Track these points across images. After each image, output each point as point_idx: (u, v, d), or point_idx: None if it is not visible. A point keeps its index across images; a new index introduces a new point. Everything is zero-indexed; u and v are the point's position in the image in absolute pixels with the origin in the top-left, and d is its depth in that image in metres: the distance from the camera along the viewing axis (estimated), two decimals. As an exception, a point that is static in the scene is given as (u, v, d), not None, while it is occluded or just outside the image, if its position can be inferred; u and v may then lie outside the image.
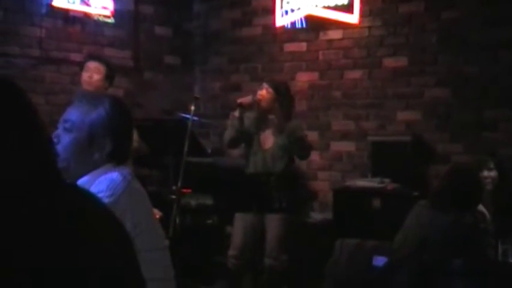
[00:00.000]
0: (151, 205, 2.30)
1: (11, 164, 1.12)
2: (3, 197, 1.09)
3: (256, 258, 4.93)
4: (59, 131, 2.11)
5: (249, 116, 4.90)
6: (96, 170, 2.11)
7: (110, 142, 2.11)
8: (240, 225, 4.84)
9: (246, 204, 4.75)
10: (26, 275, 1.02)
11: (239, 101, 4.86)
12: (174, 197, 4.71)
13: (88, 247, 1.13)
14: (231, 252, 4.84)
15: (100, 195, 1.96)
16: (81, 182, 2.07)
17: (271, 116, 4.84)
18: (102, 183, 2.06)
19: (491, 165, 4.30)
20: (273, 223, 4.73)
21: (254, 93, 4.97)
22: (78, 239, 1.12)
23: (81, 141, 2.09)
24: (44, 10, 5.58)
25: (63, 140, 2.08)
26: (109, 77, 4.82)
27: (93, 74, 4.72)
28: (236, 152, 5.52)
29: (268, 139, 4.87)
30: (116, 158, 2.14)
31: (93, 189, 2.01)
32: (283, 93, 4.88)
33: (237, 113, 4.85)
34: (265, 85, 4.89)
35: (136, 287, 1.26)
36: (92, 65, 4.77)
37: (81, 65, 4.86)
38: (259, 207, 4.71)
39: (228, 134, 4.89)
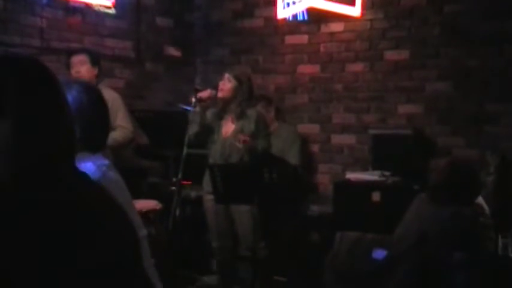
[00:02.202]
0: (130, 195, 2.28)
1: (26, 150, 1.12)
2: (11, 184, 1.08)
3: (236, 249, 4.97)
4: None
5: (213, 111, 4.91)
6: None
7: (79, 129, 2.07)
8: (210, 217, 4.89)
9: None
10: (26, 263, 1.02)
11: (198, 95, 4.85)
12: (174, 188, 4.71)
13: (90, 240, 1.12)
14: (213, 244, 4.92)
15: None
16: None
17: (232, 105, 4.84)
18: None
19: (491, 170, 4.30)
20: (240, 216, 4.74)
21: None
22: (79, 231, 1.11)
23: None
24: (44, 0, 5.56)
25: None
26: (95, 63, 4.86)
27: (79, 67, 4.77)
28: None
29: (229, 127, 4.86)
30: (89, 146, 2.11)
31: None
32: (244, 82, 4.87)
33: (197, 108, 4.84)
34: (226, 75, 4.88)
35: (138, 277, 1.25)
36: (75, 59, 4.82)
37: (66, 64, 4.88)
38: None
39: (192, 130, 4.85)
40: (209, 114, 4.91)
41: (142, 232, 2.30)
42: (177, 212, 4.63)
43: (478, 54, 5.49)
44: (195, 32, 7.01)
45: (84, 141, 2.08)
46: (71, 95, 2.08)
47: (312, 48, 6.34)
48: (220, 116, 4.88)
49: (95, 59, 4.89)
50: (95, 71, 4.86)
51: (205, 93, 4.86)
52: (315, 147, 6.32)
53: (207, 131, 4.88)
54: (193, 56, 6.98)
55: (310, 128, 6.34)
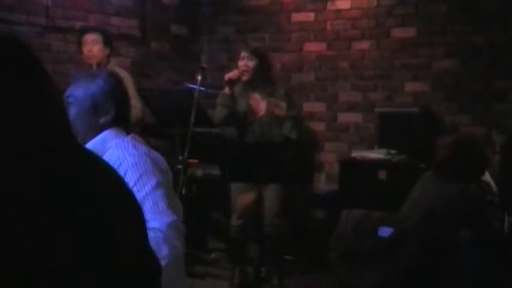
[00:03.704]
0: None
1: (12, 124, 1.08)
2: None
3: (258, 226, 4.95)
4: None
5: (235, 90, 4.84)
6: (102, 134, 2.21)
7: (113, 107, 2.24)
8: (238, 195, 4.83)
9: (252, 174, 4.73)
10: (27, 246, 1.00)
11: (227, 76, 4.77)
12: (180, 167, 4.72)
13: (92, 214, 1.10)
14: (234, 222, 4.84)
15: (126, 157, 2.13)
16: (92, 145, 2.17)
17: (258, 82, 4.78)
18: (125, 148, 2.18)
19: (497, 149, 4.28)
20: (269, 191, 4.72)
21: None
22: (80, 205, 1.09)
23: (86, 111, 2.22)
24: (50, -22, 5.54)
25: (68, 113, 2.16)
26: (107, 43, 4.87)
27: (92, 47, 4.78)
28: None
29: (259, 106, 4.78)
30: (120, 122, 2.27)
31: (115, 154, 2.14)
32: (263, 56, 4.82)
33: (227, 90, 4.78)
34: (245, 54, 4.80)
35: (144, 259, 1.23)
36: (88, 37, 4.82)
37: (79, 41, 4.88)
38: (256, 176, 4.67)
39: (221, 113, 4.80)
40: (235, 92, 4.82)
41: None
42: (183, 191, 4.64)
43: (485, 31, 5.44)
44: (201, 10, 6.97)
45: (116, 117, 2.25)
46: (102, 79, 2.26)
47: (319, 26, 6.29)
48: (244, 94, 4.81)
49: (108, 39, 4.90)
50: (107, 51, 4.88)
51: (234, 74, 4.77)
52: (321, 126, 6.30)
53: (237, 114, 4.80)
54: (199, 34, 6.95)
55: (317, 107, 6.32)
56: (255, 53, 4.78)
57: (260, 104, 4.74)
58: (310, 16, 6.33)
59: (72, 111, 2.18)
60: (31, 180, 1.04)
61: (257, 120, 4.77)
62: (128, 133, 2.28)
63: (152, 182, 2.14)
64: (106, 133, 2.22)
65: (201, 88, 4.85)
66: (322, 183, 6.16)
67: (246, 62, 4.75)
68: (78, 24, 5.70)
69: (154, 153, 2.30)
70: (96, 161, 1.23)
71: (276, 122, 4.74)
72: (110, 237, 1.12)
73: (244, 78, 4.76)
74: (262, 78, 4.77)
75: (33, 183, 1.04)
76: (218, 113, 4.80)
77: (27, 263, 0.99)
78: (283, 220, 4.78)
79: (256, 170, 4.48)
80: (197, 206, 5.51)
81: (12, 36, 1.17)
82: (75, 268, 1.04)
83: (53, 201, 1.04)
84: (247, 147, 4.70)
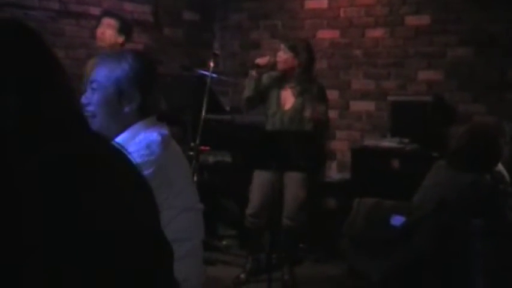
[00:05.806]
0: (188, 165, 2.33)
1: (18, 112, 1.06)
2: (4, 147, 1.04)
3: (273, 217, 4.92)
4: (88, 92, 2.17)
5: (271, 75, 4.84)
6: (133, 126, 2.15)
7: (138, 94, 2.15)
8: (258, 183, 4.78)
9: (264, 162, 4.71)
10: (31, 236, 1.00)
11: (256, 61, 4.78)
12: (192, 153, 4.72)
13: (101, 201, 1.08)
14: (249, 211, 4.79)
15: (139, 153, 2.03)
16: (119, 139, 2.11)
17: (292, 77, 4.77)
18: (141, 142, 2.11)
19: (508, 139, 4.25)
20: (292, 182, 4.70)
21: (273, 52, 4.91)
22: (87, 193, 1.07)
23: (110, 97, 2.13)
24: (63, -38, 5.52)
25: (92, 99, 2.14)
26: (123, 31, 4.87)
27: (105, 29, 4.80)
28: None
29: (288, 100, 4.80)
30: (146, 111, 2.18)
31: (132, 147, 2.06)
32: (301, 53, 4.76)
33: (254, 73, 4.77)
34: (282, 46, 4.79)
35: (157, 244, 1.22)
36: (105, 21, 4.86)
37: (98, 21, 4.90)
38: (277, 165, 4.66)
39: (245, 94, 4.83)
40: (265, 78, 4.82)
41: (199, 205, 2.36)
42: (195, 178, 4.64)
43: (500, 19, 5.40)
44: (213, -3, 6.94)
45: (142, 105, 2.16)
46: (127, 63, 2.15)
47: (332, 13, 6.26)
48: (279, 84, 4.81)
49: (124, 28, 4.91)
50: (120, 40, 4.88)
51: (263, 60, 4.77)
52: (334, 114, 6.27)
53: (261, 98, 4.81)
54: (211, 20, 6.93)
55: (329, 94, 6.22)
56: (291, 48, 4.72)
57: (289, 100, 4.77)
58: (324, 3, 6.30)
59: (96, 98, 2.13)
60: (37, 169, 1.02)
61: (280, 113, 4.76)
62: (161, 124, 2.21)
63: None
64: (136, 127, 2.15)
65: (213, 75, 4.85)
66: (334, 172, 6.15)
67: (280, 53, 4.73)
68: (91, 9, 5.69)
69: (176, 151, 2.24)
70: (107, 148, 1.20)
71: (298, 118, 4.72)
72: (121, 225, 1.11)
73: (278, 67, 4.74)
74: (297, 74, 4.72)
75: (37, 172, 1.02)
76: (244, 94, 4.83)
77: (33, 254, 0.99)
78: (303, 213, 4.75)
79: (277, 158, 4.44)
80: (208, 193, 5.51)
81: (20, 22, 1.15)
82: (81, 258, 1.03)
83: (59, 190, 1.03)
84: (268, 134, 4.67)
